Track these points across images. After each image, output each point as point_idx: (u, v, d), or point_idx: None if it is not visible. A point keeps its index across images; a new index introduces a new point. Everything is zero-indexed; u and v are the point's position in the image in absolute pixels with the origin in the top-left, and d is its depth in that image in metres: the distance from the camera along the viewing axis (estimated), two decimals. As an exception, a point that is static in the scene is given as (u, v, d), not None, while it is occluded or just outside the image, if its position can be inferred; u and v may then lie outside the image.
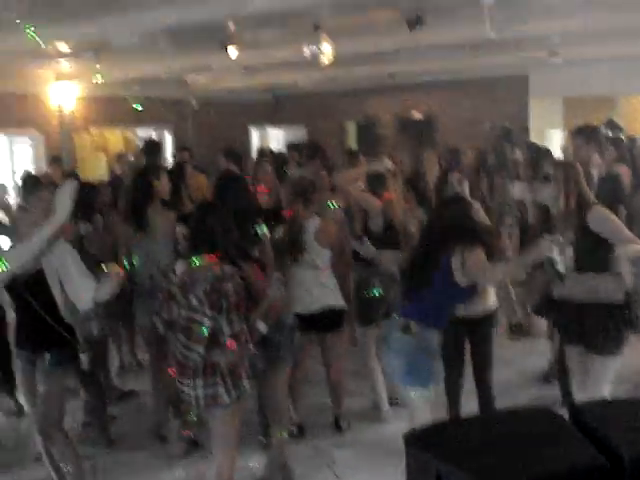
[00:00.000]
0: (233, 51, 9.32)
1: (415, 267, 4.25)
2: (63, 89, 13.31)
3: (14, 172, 12.52)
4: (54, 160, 11.19)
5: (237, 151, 8.74)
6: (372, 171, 5.78)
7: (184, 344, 3.85)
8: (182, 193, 6.71)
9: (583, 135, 6.14)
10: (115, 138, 13.62)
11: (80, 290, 4.16)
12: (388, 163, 5.54)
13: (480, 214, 4.88)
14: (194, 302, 3.80)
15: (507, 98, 15.69)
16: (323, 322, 5.29)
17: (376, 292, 5.56)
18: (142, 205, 5.44)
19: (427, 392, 4.17)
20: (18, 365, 4.50)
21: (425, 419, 3.93)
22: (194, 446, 5.29)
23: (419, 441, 2.48)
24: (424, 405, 4.17)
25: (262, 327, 4.08)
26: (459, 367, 5.16)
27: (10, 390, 6.13)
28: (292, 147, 11.01)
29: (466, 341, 5.15)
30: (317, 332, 5.36)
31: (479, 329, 5.09)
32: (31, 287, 4.11)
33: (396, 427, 5.43)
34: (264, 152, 11.08)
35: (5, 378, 6.13)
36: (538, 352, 6.90)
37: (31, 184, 7.14)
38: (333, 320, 5.35)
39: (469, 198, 4.77)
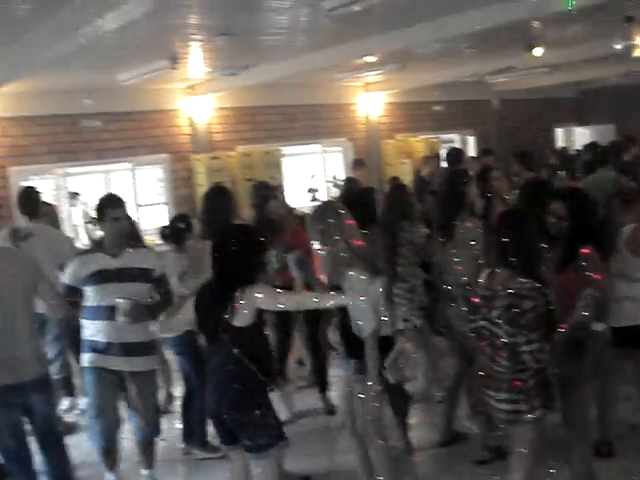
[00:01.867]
0: (538, 50, 9.10)
1: None
2: (370, 98, 13.93)
3: (327, 179, 13.37)
4: (358, 163, 11.55)
5: (530, 154, 8.50)
6: None
7: (488, 355, 3.82)
8: (492, 200, 6.63)
9: None
10: (419, 144, 13.91)
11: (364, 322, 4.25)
12: None
13: None
14: (494, 315, 3.76)
15: None
16: (633, 337, 4.94)
17: None
18: (453, 214, 5.42)
19: None
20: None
21: None
22: (499, 455, 5.20)
23: None
24: None
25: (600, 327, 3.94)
26: None
27: (323, 391, 6.55)
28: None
29: None
30: (626, 347, 5.01)
31: None
32: None
33: None
34: (564, 153, 10.65)
35: (318, 381, 6.59)
36: None
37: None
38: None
39: None
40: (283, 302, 3.91)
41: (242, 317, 3.73)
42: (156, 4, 5.12)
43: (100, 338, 4.59)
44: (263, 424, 3.81)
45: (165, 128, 11.33)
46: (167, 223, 6.67)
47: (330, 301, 3.98)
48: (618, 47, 7.84)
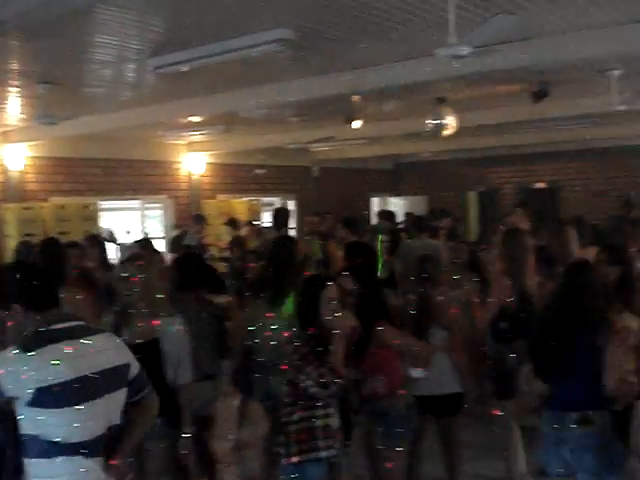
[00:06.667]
0: (357, 123, 9.51)
1: (548, 350, 3.97)
2: (193, 157, 13.92)
3: (146, 234, 13.11)
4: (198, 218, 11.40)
5: (354, 220, 8.78)
6: None
7: None
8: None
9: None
10: (241, 205, 14.01)
11: None
12: None
13: None
14: None
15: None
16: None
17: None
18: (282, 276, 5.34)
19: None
20: None
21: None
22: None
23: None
24: None
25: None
26: None
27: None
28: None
29: None
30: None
31: None
32: None
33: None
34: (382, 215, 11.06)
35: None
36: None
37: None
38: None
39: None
40: None
41: None
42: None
43: None
44: None
45: (-28, 175, 10.70)
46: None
47: None
48: (430, 126, 8.32)
